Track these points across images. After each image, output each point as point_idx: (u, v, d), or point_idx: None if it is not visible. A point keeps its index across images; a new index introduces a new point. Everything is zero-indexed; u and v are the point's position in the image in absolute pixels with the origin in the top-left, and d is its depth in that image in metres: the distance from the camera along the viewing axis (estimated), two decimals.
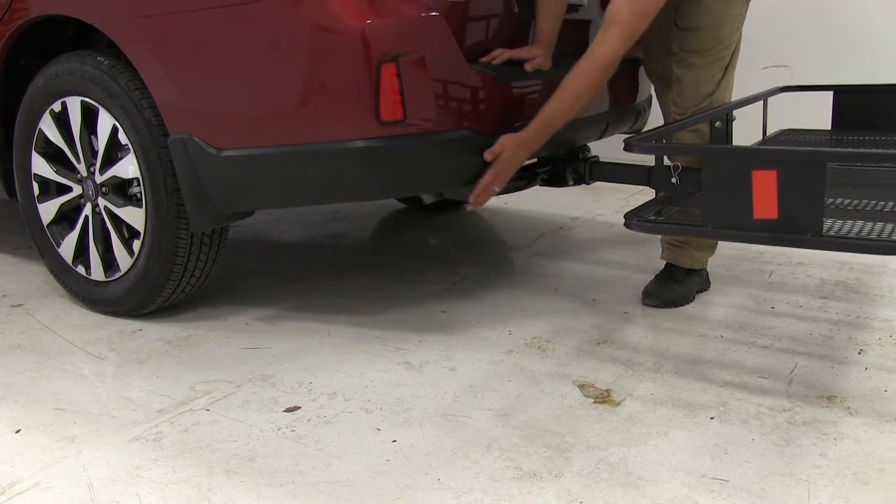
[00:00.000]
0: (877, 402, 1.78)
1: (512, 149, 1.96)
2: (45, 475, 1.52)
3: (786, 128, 2.92)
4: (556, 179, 2.44)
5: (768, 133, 2.78)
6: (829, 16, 3.70)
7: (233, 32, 1.90)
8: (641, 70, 2.66)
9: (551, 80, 2.17)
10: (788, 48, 3.80)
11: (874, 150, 1.49)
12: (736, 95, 3.19)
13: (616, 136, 2.61)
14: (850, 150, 1.56)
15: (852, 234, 1.51)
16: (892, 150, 1.51)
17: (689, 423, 1.69)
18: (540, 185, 2.46)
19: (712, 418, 1.71)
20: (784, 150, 1.53)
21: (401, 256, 2.93)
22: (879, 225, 1.59)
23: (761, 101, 2.53)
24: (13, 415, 1.77)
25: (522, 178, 2.36)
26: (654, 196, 1.90)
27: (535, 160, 2.39)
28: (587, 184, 2.45)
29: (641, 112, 2.78)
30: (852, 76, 3.58)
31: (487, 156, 1.94)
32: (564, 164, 2.43)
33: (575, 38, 2.44)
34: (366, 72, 1.79)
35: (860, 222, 1.60)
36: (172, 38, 1.99)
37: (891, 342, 2.11)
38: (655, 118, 2.93)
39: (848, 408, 1.76)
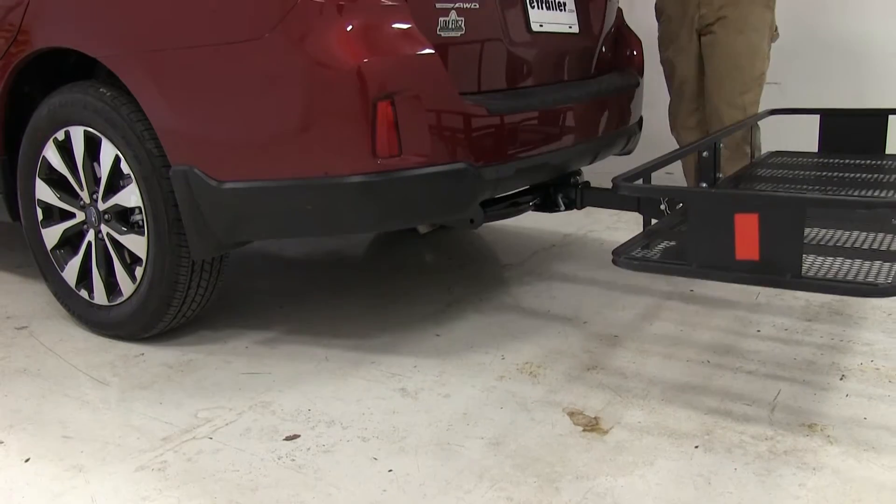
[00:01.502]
0: (856, 430, 1.84)
1: None
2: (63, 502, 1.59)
3: (775, 150, 2.99)
4: (548, 204, 2.50)
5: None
6: (818, 34, 3.77)
7: (233, 69, 1.96)
8: (633, 94, 2.73)
9: (543, 110, 2.23)
10: (780, 66, 3.86)
11: (851, 197, 1.56)
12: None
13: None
14: (829, 196, 1.61)
15: (830, 275, 1.57)
16: (866, 198, 1.57)
17: (674, 453, 1.76)
18: (532, 210, 2.52)
19: (697, 447, 1.78)
20: (765, 196, 1.60)
21: (396, 274, 2.99)
22: (857, 262, 1.65)
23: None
24: (22, 443, 1.83)
25: (515, 205, 2.42)
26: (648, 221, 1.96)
27: (527, 187, 2.45)
28: (578, 209, 2.51)
29: (632, 135, 2.84)
30: (841, 93, 3.67)
31: None
32: (556, 189, 2.50)
33: (564, 67, 2.50)
34: (362, 109, 1.85)
35: (839, 259, 1.67)
36: (173, 73, 2.04)
37: (872, 367, 2.18)
38: (647, 138, 3.01)
39: (828, 436, 1.82)
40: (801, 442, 1.80)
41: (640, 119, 2.93)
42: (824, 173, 2.58)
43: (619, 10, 2.98)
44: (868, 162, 2.65)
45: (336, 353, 2.29)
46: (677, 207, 2.28)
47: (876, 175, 2.48)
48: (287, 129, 1.93)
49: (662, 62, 3.21)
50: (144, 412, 1.97)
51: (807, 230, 1.82)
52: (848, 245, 1.77)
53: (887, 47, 3.57)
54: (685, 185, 3.27)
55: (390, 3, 1.91)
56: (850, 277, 1.58)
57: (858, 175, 2.49)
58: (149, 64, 2.06)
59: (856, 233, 1.93)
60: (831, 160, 2.73)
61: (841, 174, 2.57)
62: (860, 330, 2.44)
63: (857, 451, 1.76)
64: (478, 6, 2.10)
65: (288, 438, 1.84)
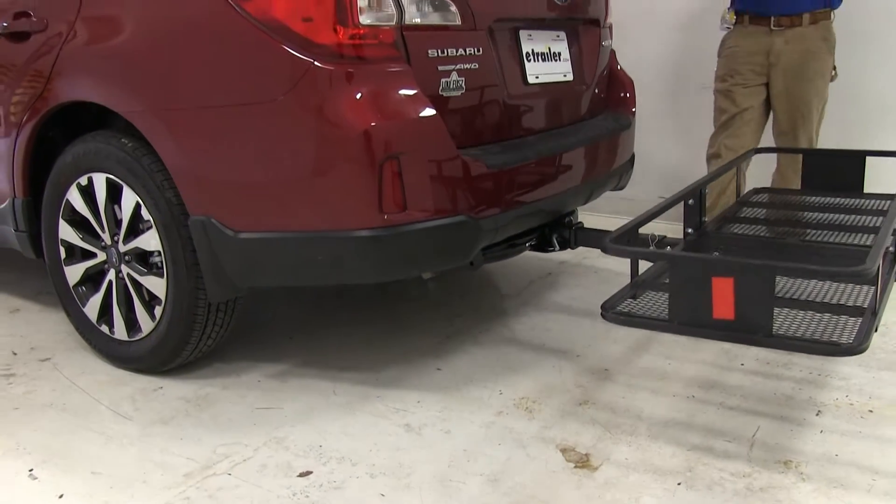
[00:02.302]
0: (828, 468, 1.99)
1: None
2: None
3: (760, 186, 3.14)
4: (543, 245, 2.65)
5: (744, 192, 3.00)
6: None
7: (249, 128, 2.10)
8: (626, 134, 2.87)
9: (538, 159, 2.38)
10: None
11: (817, 268, 1.70)
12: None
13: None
14: (797, 265, 1.75)
15: (799, 332, 1.72)
16: (832, 269, 1.71)
17: (658, 489, 1.90)
18: (528, 250, 2.66)
19: (679, 484, 1.93)
20: (740, 262, 1.74)
21: (398, 304, 3.14)
22: (826, 317, 1.80)
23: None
24: (55, 478, 1.98)
25: (513, 247, 2.56)
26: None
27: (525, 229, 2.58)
28: (572, 248, 2.66)
29: (624, 173, 2.99)
30: (835, 130, 3.80)
31: None
32: (551, 230, 2.64)
33: (559, 113, 2.65)
34: (370, 169, 1.99)
35: (809, 315, 1.82)
36: (193, 130, 2.19)
37: (846, 402, 2.32)
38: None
39: (801, 473, 1.97)
40: (776, 479, 1.95)
41: (632, 156, 3.07)
42: (804, 214, 2.73)
43: (612, 53, 3.12)
44: (847, 201, 2.79)
45: (344, 387, 2.43)
46: (665, 249, 2.43)
47: (854, 217, 2.62)
48: (299, 185, 2.08)
49: (717, 91, 3.41)
50: (166, 447, 2.12)
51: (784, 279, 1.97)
52: (818, 299, 1.92)
53: (877, 91, 3.71)
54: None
55: (396, 68, 2.05)
56: (817, 334, 1.73)
57: (837, 217, 2.63)
58: (170, 120, 2.20)
59: (824, 287, 2.08)
60: (812, 198, 2.88)
61: (820, 214, 2.71)
62: (838, 364, 2.58)
63: (828, 488, 1.91)
64: (477, 66, 2.24)
65: (301, 475, 1.98)
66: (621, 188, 3.06)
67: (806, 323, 1.81)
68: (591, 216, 3.36)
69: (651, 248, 2.42)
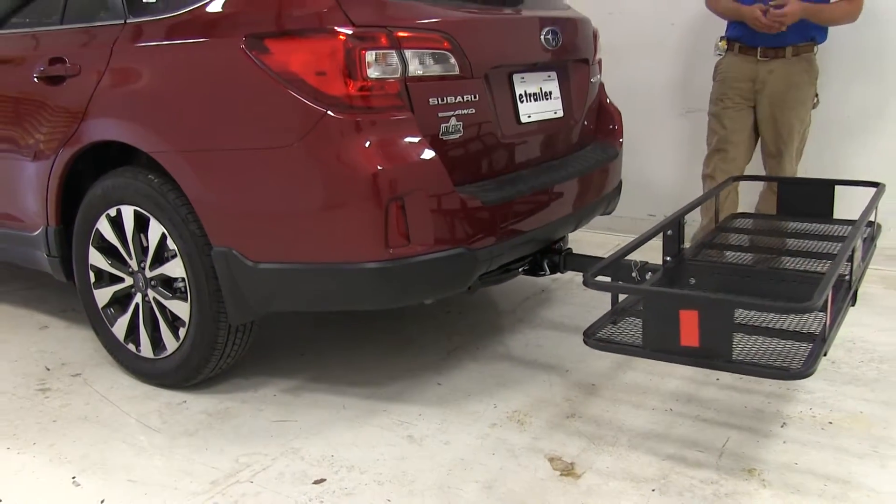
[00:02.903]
0: (787, 475, 2.22)
1: (798, 6, 3.26)
2: None
3: (739, 211, 3.37)
4: (535, 269, 2.88)
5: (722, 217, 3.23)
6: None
7: (267, 169, 2.33)
8: (613, 163, 3.11)
9: (531, 193, 2.61)
10: None
11: (772, 303, 1.93)
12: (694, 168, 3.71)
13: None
14: (755, 301, 1.98)
15: (756, 357, 1.95)
16: (785, 304, 1.94)
17: (635, 495, 2.13)
18: (521, 275, 2.89)
19: (654, 490, 2.16)
20: (704, 297, 1.97)
21: (401, 321, 3.37)
22: (782, 343, 2.03)
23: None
24: (95, 486, 2.21)
25: (507, 272, 2.80)
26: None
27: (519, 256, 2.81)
28: (561, 273, 2.89)
29: (612, 199, 3.22)
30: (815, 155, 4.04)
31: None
32: (542, 256, 2.87)
33: (550, 148, 2.88)
34: (377, 208, 2.22)
35: (766, 340, 2.05)
36: (216, 170, 2.42)
37: (810, 415, 2.55)
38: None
39: (763, 480, 2.20)
40: (740, 486, 2.17)
41: (620, 183, 3.30)
42: (776, 239, 2.96)
43: (601, 86, 3.36)
44: (817, 227, 3.02)
45: (352, 402, 2.67)
46: (647, 276, 2.66)
47: (819, 243, 2.85)
48: (313, 221, 2.31)
49: (710, 114, 3.70)
50: (193, 458, 2.35)
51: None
52: (776, 326, 2.15)
53: (848, 117, 3.94)
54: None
55: (400, 116, 2.28)
56: (772, 359, 1.96)
57: (805, 242, 2.86)
58: (194, 161, 2.44)
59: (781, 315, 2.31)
60: (785, 224, 3.11)
61: (791, 240, 2.95)
62: (805, 379, 2.81)
63: (785, 493, 2.14)
64: (474, 110, 2.47)
65: (316, 482, 2.21)
66: (609, 213, 3.30)
67: (764, 349, 2.04)
68: (589, 234, 3.59)
69: (634, 274, 2.65)
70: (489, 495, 2.14)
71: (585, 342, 2.16)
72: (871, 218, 2.85)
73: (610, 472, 2.24)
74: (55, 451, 2.39)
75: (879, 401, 2.64)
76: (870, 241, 2.84)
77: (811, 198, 3.14)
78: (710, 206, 3.41)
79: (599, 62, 3.31)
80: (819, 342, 2.01)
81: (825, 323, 2.01)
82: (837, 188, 3.11)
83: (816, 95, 3.58)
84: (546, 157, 2.85)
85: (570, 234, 3.13)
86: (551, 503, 2.10)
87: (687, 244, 2.78)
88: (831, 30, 3.54)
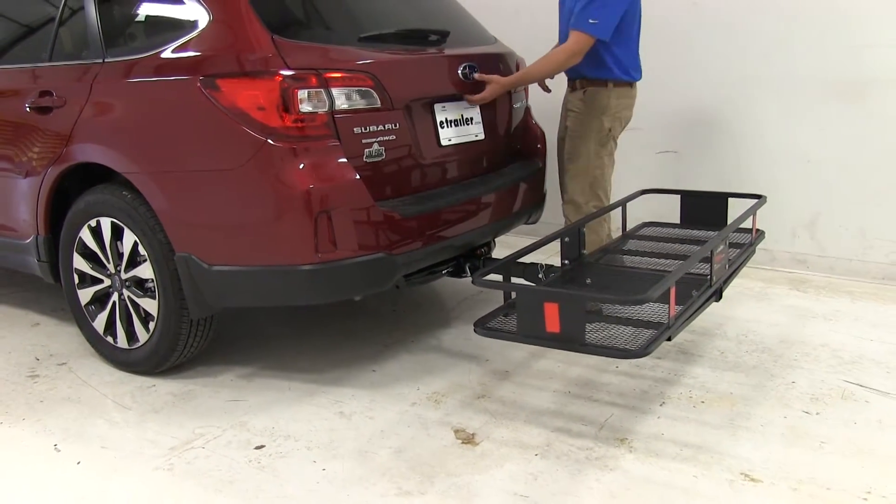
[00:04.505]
0: (652, 443, 2.66)
1: (498, 86, 3.28)
2: (103, 492, 2.41)
3: (647, 220, 3.82)
4: (457, 272, 3.32)
5: (631, 225, 3.67)
6: (709, 111, 4.58)
7: (219, 188, 2.78)
8: (536, 178, 3.54)
9: (448, 208, 3.05)
10: (677, 137, 4.69)
11: (613, 297, 2.37)
12: (635, 176, 4.17)
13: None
14: (601, 295, 2.43)
15: (606, 342, 2.40)
16: (627, 297, 2.38)
17: (519, 459, 2.57)
18: (446, 276, 3.34)
19: (536, 455, 2.59)
20: (561, 292, 2.42)
21: (349, 318, 3.81)
22: (631, 329, 2.48)
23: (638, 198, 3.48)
24: (73, 451, 2.65)
25: (432, 273, 3.24)
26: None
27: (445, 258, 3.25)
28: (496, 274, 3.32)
29: (534, 211, 3.66)
30: (727, 162, 4.49)
31: (482, 78, 3.26)
32: (465, 260, 3.32)
33: (470, 167, 3.33)
34: (308, 220, 2.67)
35: (622, 327, 2.50)
36: (177, 189, 2.86)
37: (687, 396, 2.99)
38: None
39: (631, 447, 2.63)
40: (610, 451, 2.61)
41: (543, 196, 3.74)
42: (671, 245, 3.40)
43: (528, 110, 3.81)
44: (711, 234, 3.45)
45: (296, 385, 3.11)
46: (552, 275, 3.11)
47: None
48: (257, 231, 2.75)
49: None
50: (157, 430, 2.79)
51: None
52: (623, 317, 2.61)
53: (760, 130, 4.39)
54: None
55: (328, 143, 2.72)
56: (619, 343, 2.40)
57: (694, 248, 3.30)
58: (159, 180, 2.88)
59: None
60: (685, 232, 3.55)
61: (684, 245, 3.39)
62: (693, 366, 3.25)
63: (646, 457, 2.57)
64: (395, 137, 2.91)
65: (257, 448, 2.66)
66: (533, 223, 3.74)
67: (616, 333, 2.48)
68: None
69: (540, 275, 3.10)
70: (398, 458, 2.58)
71: (475, 331, 2.60)
72: (750, 226, 3.29)
73: (503, 441, 2.68)
74: (41, 424, 2.84)
75: (751, 384, 3.07)
76: (748, 247, 3.28)
77: (708, 209, 3.58)
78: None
79: (525, 89, 3.76)
80: (663, 329, 2.45)
81: (669, 313, 2.45)
82: (731, 200, 3.56)
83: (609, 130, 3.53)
84: (467, 175, 3.29)
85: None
86: (448, 464, 2.54)
87: None
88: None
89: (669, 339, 2.47)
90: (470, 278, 3.30)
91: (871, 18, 4.02)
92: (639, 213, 4.02)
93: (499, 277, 2.94)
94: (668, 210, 4.13)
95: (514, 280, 2.97)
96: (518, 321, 2.44)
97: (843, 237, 4.30)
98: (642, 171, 4.68)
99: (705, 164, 4.59)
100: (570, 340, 2.33)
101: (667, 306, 2.55)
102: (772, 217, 4.33)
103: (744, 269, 4.32)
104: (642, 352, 2.31)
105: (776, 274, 4.46)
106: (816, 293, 4.13)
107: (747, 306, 3.94)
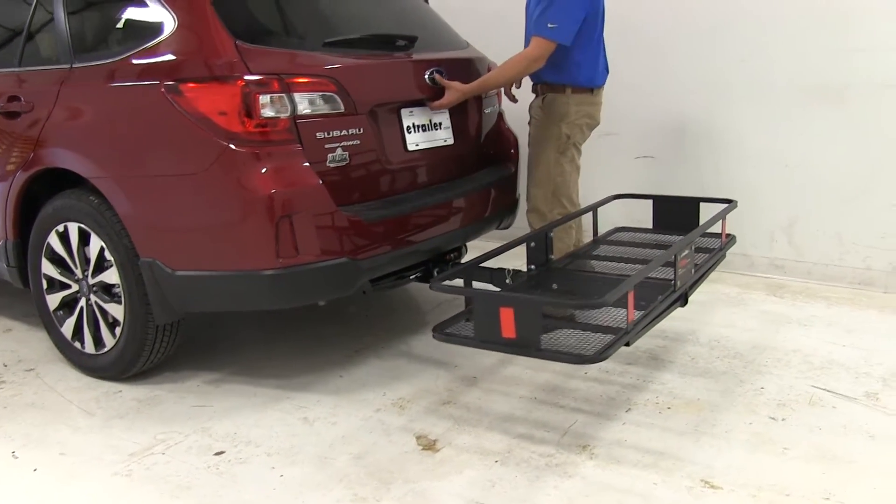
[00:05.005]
0: (615, 449, 2.64)
1: (458, 92, 3.23)
2: (59, 498, 2.40)
3: (621, 225, 3.81)
4: (427, 277, 3.31)
5: (605, 230, 3.67)
6: (686, 115, 4.57)
7: (181, 192, 2.77)
8: (507, 183, 3.54)
9: (413, 212, 3.05)
10: (654, 142, 4.69)
11: (566, 300, 2.36)
12: (613, 181, 4.15)
13: None
14: (557, 299, 2.42)
15: (562, 347, 2.38)
16: (582, 301, 2.37)
17: (479, 465, 2.56)
18: (415, 281, 3.33)
19: (496, 461, 2.58)
20: (517, 297, 2.41)
21: (322, 323, 3.80)
22: (589, 335, 2.47)
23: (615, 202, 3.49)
24: (32, 457, 2.64)
25: (401, 279, 3.23)
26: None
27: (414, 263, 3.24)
28: (457, 279, 3.31)
29: (506, 216, 3.66)
30: (705, 167, 4.48)
31: (443, 83, 3.21)
32: (434, 265, 3.31)
33: (439, 173, 3.32)
34: (269, 225, 2.66)
35: (579, 332, 2.49)
36: (141, 193, 2.86)
37: (654, 402, 2.97)
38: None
39: (592, 453, 2.62)
40: (571, 458, 2.60)
41: (515, 202, 3.74)
42: (640, 250, 3.40)
43: (500, 115, 3.80)
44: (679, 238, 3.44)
45: (263, 391, 3.10)
46: (521, 279, 3.10)
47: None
48: (219, 236, 2.75)
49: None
50: (120, 435, 2.78)
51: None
52: (581, 322, 2.60)
53: (737, 135, 4.39)
54: None
55: (290, 148, 2.72)
56: (579, 349, 2.39)
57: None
58: (123, 185, 2.88)
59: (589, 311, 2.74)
60: (657, 237, 3.54)
61: (655, 250, 3.37)
62: (663, 372, 3.24)
63: (607, 464, 2.56)
64: (359, 141, 2.91)
65: (216, 454, 2.65)
66: (506, 228, 3.73)
67: (574, 338, 2.47)
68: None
69: (508, 280, 3.09)
70: (357, 464, 2.57)
71: (434, 336, 2.59)
72: (719, 230, 3.29)
73: (464, 447, 2.67)
74: (1, 431, 2.83)
75: (719, 390, 3.06)
76: (718, 252, 3.27)
77: (680, 213, 3.57)
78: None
79: (498, 93, 3.76)
80: (620, 335, 2.44)
81: (627, 319, 2.44)
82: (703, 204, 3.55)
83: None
84: (436, 180, 3.29)
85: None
86: (407, 470, 2.53)
87: None
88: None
89: (628, 344, 2.46)
90: None
91: (847, 23, 4.02)
92: (616, 217, 4.02)
93: (464, 282, 2.93)
94: (646, 215, 4.14)
95: (480, 285, 2.96)
96: (475, 326, 2.43)
97: (821, 242, 4.29)
98: (620, 177, 4.67)
99: (683, 169, 4.59)
100: (526, 346, 2.32)
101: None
102: (750, 222, 4.34)
103: (722, 275, 4.38)
104: (597, 357, 2.31)
105: (754, 279, 4.45)
106: (793, 298, 4.12)
107: (722, 312, 3.93)
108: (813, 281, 4.35)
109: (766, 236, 4.44)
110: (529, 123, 3.58)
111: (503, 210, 3.61)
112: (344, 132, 2.85)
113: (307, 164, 2.73)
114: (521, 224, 3.86)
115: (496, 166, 3.65)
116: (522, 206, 3.82)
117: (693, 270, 2.94)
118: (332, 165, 2.82)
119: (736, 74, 4.33)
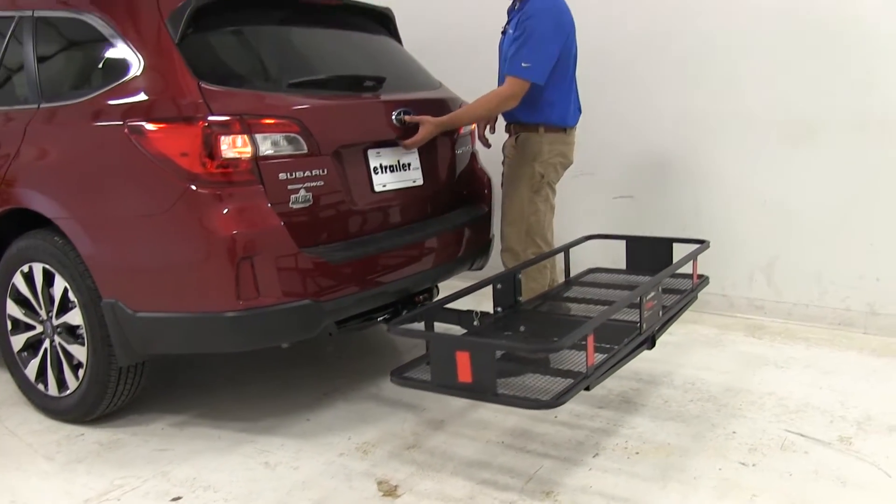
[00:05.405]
0: (579, 496, 2.59)
1: (431, 126, 3.21)
2: None
3: (596, 266, 3.78)
4: (395, 318, 3.27)
5: (578, 272, 3.64)
6: (664, 154, 4.57)
7: (143, 233, 2.76)
8: (480, 224, 3.52)
9: (379, 254, 3.02)
10: (633, 181, 4.68)
11: (521, 345, 2.33)
12: (591, 222, 4.11)
13: None
14: (511, 343, 2.38)
15: (520, 392, 2.34)
16: (534, 345, 2.33)
17: None
18: (383, 322, 3.29)
19: None
20: (472, 341, 2.38)
21: (293, 366, 3.76)
22: (548, 379, 2.43)
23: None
24: None
25: (368, 320, 3.20)
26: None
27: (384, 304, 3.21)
28: (419, 322, 3.28)
29: (478, 257, 3.63)
30: (685, 206, 4.47)
31: (413, 120, 3.20)
32: (403, 306, 3.28)
33: (408, 213, 3.30)
34: (230, 267, 2.64)
35: (530, 375, 2.45)
36: (103, 234, 2.84)
37: (622, 447, 2.92)
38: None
39: (556, 500, 2.57)
40: None
41: (489, 242, 3.71)
42: (615, 291, 3.37)
43: (473, 155, 3.80)
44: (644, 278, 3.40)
45: (227, 434, 3.05)
46: (488, 321, 3.07)
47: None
48: (179, 277, 2.72)
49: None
50: (76, 480, 2.73)
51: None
52: (541, 364, 2.55)
53: (716, 173, 4.39)
54: None
55: (252, 189, 2.70)
56: (540, 393, 2.35)
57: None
58: (86, 226, 2.86)
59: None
60: (630, 278, 3.51)
61: (626, 292, 3.34)
62: (634, 415, 3.19)
63: None
64: (323, 183, 2.89)
65: (174, 499, 2.59)
66: (479, 269, 3.70)
67: (531, 383, 2.43)
68: None
69: (475, 322, 3.06)
70: None
71: (391, 380, 2.55)
72: (690, 271, 3.26)
73: (426, 493, 2.61)
74: None
75: (690, 434, 3.01)
76: (689, 293, 3.24)
77: (653, 254, 3.54)
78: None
79: (471, 134, 3.76)
80: (580, 379, 2.40)
81: (587, 362, 2.40)
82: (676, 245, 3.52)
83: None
84: (405, 221, 3.27)
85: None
86: None
87: None
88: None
89: (588, 388, 2.42)
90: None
91: (822, 60, 4.02)
92: (595, 258, 4.00)
93: (426, 325, 2.90)
94: (623, 256, 4.11)
95: (447, 328, 2.92)
96: (432, 370, 2.39)
97: (800, 282, 4.26)
98: (599, 217, 4.67)
99: (663, 209, 4.57)
100: (482, 391, 2.28)
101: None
102: (729, 261, 4.32)
103: (701, 315, 4.34)
104: (554, 402, 2.27)
105: (733, 320, 4.41)
106: (772, 339, 4.08)
107: (699, 353, 3.89)
108: (793, 321, 4.31)
109: (745, 276, 4.41)
110: (503, 163, 3.57)
111: (476, 250, 3.59)
112: (307, 173, 2.84)
113: (269, 205, 2.72)
114: (495, 264, 3.84)
115: (469, 206, 3.64)
116: (497, 246, 3.80)
117: (661, 312, 2.90)
118: (295, 207, 2.80)
119: (713, 110, 4.33)
